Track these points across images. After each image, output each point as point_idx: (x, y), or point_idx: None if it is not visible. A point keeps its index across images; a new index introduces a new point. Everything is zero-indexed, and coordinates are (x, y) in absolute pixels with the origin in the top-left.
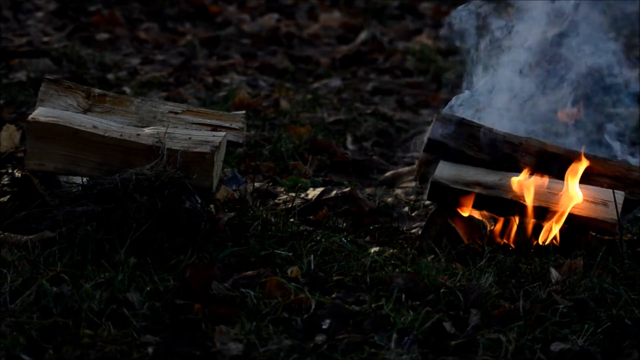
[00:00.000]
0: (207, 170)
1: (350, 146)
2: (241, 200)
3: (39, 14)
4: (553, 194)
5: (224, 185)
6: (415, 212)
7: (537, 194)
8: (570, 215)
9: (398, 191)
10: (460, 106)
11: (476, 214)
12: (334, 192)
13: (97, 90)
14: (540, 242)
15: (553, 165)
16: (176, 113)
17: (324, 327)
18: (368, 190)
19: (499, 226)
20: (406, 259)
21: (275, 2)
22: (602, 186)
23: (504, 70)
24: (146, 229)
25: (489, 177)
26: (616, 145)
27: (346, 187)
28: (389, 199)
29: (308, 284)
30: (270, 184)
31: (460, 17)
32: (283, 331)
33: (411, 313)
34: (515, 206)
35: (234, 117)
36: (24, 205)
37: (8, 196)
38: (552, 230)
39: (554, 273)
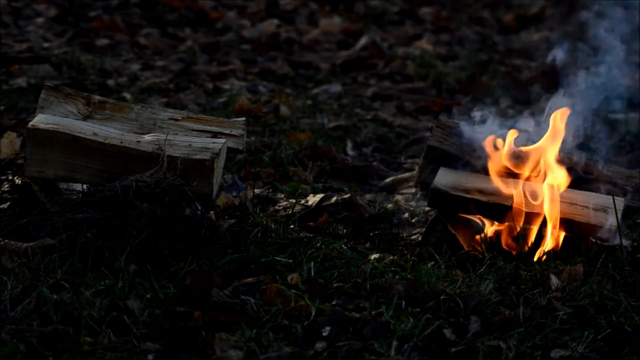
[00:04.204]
0: (207, 177)
1: (350, 152)
2: (241, 206)
3: (39, 20)
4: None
5: (224, 192)
6: (415, 218)
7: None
8: (571, 222)
9: (398, 197)
10: None
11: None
12: (334, 198)
13: (97, 97)
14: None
15: None
16: (176, 120)
17: (324, 334)
18: (368, 196)
19: (496, 232)
20: (406, 265)
21: (276, 8)
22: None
23: None
24: (146, 236)
25: (489, 183)
26: None
27: (346, 193)
28: (389, 205)
29: (308, 290)
30: (271, 190)
31: None
32: (283, 338)
33: (411, 320)
34: (515, 213)
35: (234, 124)
36: (24, 212)
37: (8, 203)
38: (550, 236)
39: (554, 280)
